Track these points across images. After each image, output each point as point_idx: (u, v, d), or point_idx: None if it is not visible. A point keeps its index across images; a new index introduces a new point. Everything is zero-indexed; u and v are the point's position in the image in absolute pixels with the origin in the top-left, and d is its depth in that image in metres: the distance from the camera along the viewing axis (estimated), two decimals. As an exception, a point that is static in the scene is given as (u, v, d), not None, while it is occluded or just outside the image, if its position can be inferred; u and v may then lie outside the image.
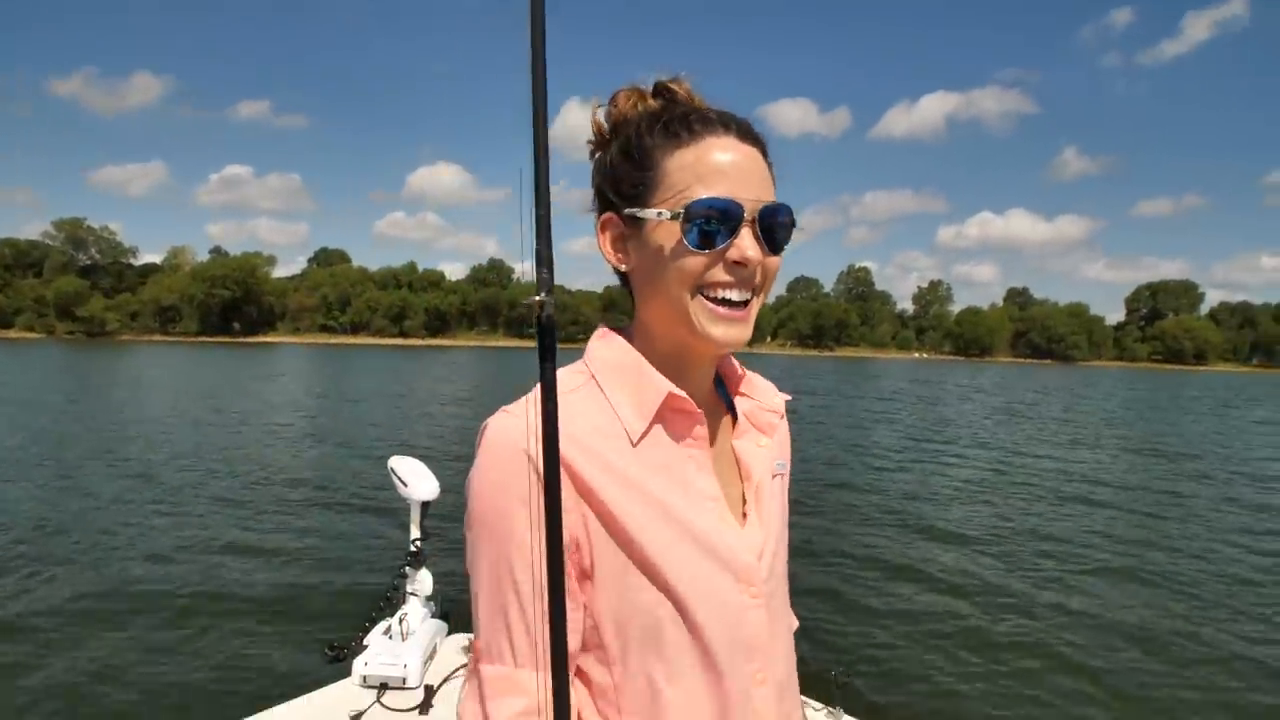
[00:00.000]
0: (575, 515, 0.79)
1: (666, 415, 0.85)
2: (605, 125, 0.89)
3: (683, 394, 0.84)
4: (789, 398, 1.03)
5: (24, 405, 19.50)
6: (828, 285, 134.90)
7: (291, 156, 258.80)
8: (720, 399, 0.98)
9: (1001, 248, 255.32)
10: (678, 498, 0.83)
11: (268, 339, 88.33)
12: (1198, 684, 5.28)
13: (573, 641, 0.80)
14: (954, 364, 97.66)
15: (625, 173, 0.84)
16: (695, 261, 0.80)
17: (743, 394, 0.98)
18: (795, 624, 1.16)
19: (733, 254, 0.80)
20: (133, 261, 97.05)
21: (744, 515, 0.90)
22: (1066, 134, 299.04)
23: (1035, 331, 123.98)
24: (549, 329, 0.65)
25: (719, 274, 0.81)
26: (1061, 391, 43.73)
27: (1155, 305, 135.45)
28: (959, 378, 55.39)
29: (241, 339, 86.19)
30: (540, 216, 0.63)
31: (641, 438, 0.83)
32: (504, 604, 0.78)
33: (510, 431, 0.79)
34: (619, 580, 0.81)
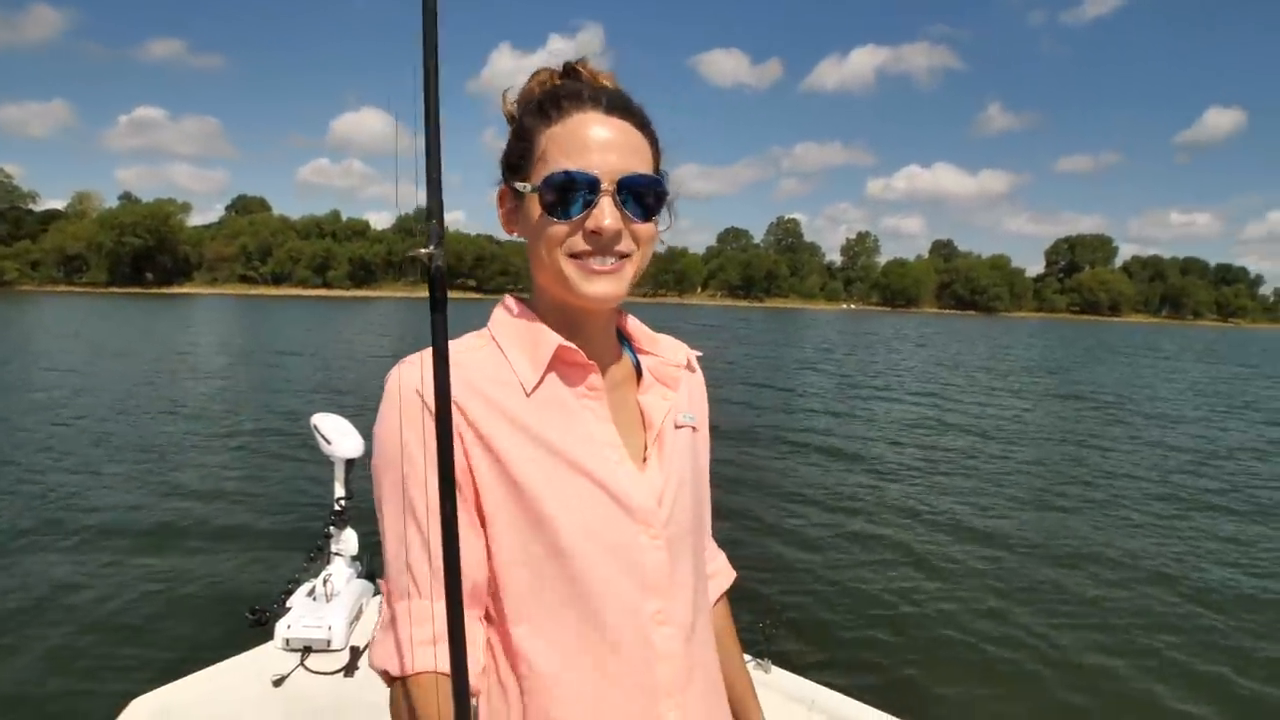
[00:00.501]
0: (468, 457, 0.83)
1: (559, 367, 0.89)
2: (514, 105, 0.93)
3: (573, 346, 0.88)
4: (699, 354, 1.06)
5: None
6: (758, 236, 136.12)
7: (209, 99, 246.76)
8: (627, 358, 1.01)
9: (928, 201, 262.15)
10: (574, 444, 0.86)
11: (183, 290, 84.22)
12: (1109, 598, 5.78)
13: (478, 574, 0.84)
14: (881, 315, 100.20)
15: (512, 148, 0.90)
16: (557, 230, 0.84)
17: (647, 352, 1.01)
18: (733, 576, 1.16)
19: (590, 223, 0.83)
20: (33, 207, 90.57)
21: (644, 461, 0.92)
22: (991, 90, 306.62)
23: (959, 283, 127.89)
24: (438, 280, 0.66)
25: (579, 242, 0.84)
26: (985, 341, 45.36)
27: (1073, 258, 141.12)
28: (886, 328, 56.86)
29: (155, 290, 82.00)
30: (430, 170, 0.64)
31: (535, 388, 0.87)
32: (406, 538, 0.81)
33: (406, 377, 0.83)
34: (511, 521, 0.84)
